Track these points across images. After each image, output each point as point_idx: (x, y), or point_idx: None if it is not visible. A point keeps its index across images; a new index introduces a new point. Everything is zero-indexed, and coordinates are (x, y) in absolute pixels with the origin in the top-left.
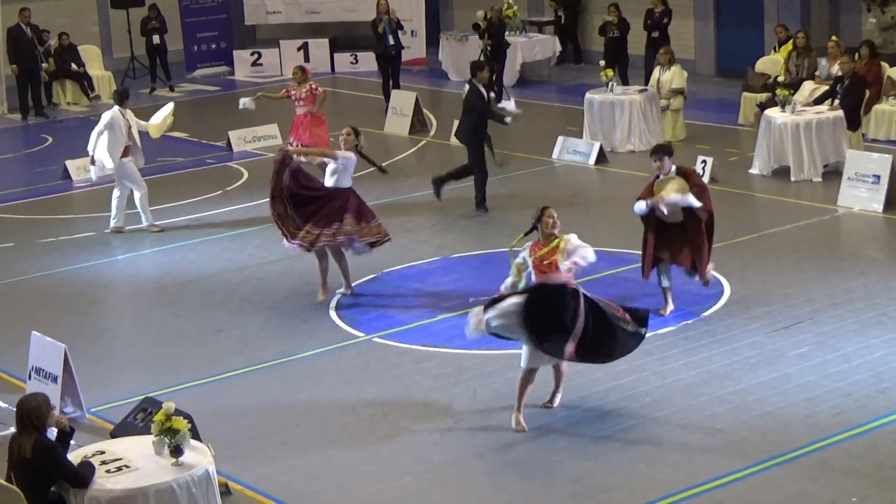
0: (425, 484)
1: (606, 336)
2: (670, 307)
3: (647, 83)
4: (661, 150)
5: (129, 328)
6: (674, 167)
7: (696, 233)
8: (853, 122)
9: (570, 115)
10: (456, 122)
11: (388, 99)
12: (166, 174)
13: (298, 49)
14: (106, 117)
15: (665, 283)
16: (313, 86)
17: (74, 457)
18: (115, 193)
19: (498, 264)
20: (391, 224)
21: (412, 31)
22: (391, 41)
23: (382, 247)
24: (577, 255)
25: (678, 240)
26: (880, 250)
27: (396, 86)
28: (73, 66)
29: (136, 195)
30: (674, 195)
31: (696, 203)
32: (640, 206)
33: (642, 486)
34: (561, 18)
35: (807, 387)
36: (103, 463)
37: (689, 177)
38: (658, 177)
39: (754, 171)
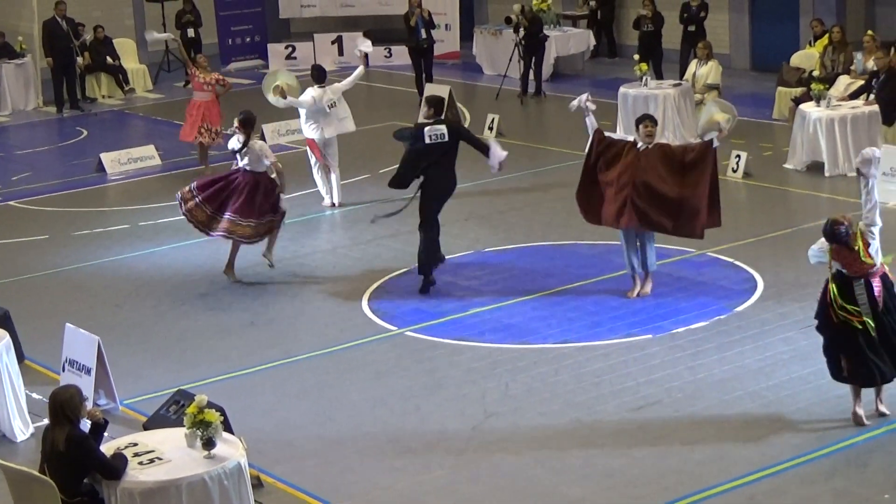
0: (457, 478)
1: None
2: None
3: (681, 77)
4: (650, 118)
5: (162, 321)
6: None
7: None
8: (889, 116)
9: (603, 109)
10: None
11: (421, 93)
12: (201, 167)
13: (332, 42)
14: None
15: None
16: (219, 77)
17: (107, 449)
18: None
19: (530, 258)
20: None
21: (446, 25)
22: (423, 35)
23: (415, 241)
24: None
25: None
26: None
27: (430, 79)
28: (109, 59)
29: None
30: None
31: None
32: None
33: (674, 481)
34: (597, 13)
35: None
36: (136, 455)
37: (668, 147)
38: (636, 143)
39: (789, 165)
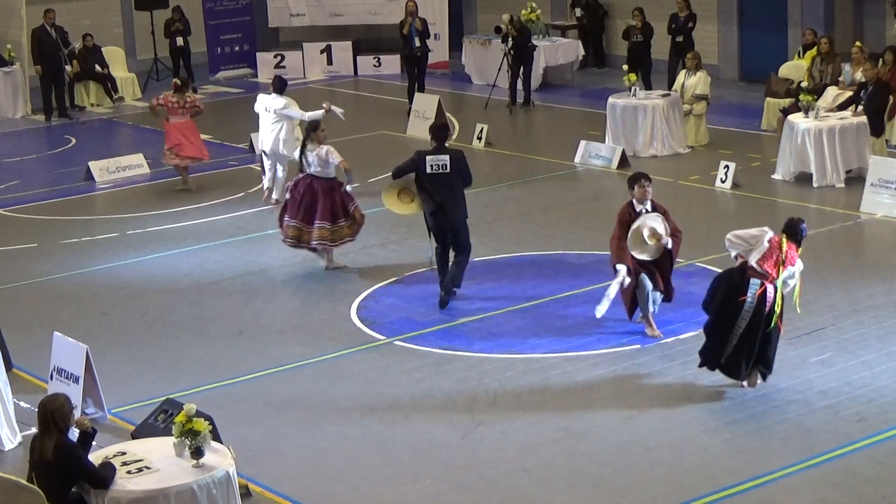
0: (446, 487)
1: None
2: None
3: (670, 87)
4: (646, 176)
5: (150, 329)
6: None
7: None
8: (877, 128)
9: (592, 119)
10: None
11: (411, 100)
12: (190, 176)
13: (321, 52)
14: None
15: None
16: (190, 98)
17: (95, 457)
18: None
19: (518, 268)
20: (414, 227)
21: (435, 35)
22: (417, 43)
23: (404, 251)
24: None
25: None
26: None
27: (421, 88)
28: (97, 67)
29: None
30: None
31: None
32: (622, 273)
33: (662, 491)
34: (585, 23)
35: (828, 393)
36: (124, 464)
37: (666, 215)
38: (633, 206)
39: (777, 176)
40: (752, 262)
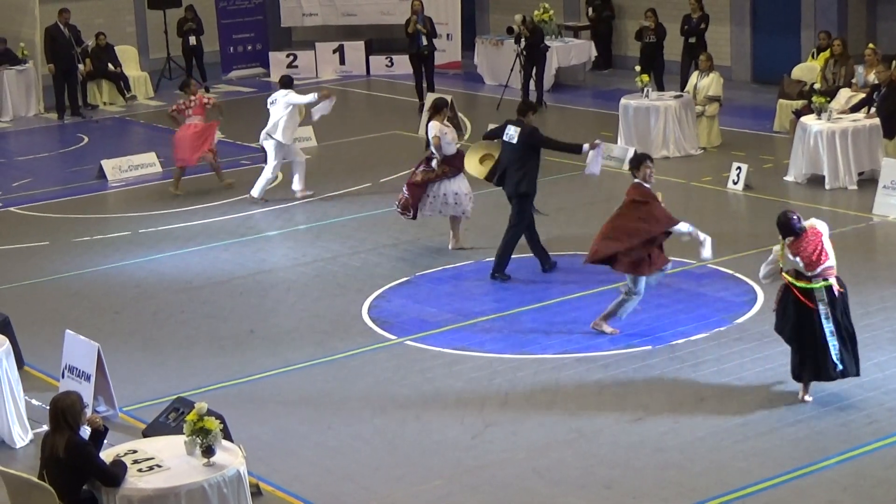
0: (456, 487)
1: None
2: None
3: (682, 89)
4: (649, 157)
5: (161, 328)
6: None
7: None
8: (889, 130)
9: (605, 120)
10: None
11: (421, 99)
12: (200, 175)
13: (334, 52)
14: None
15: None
16: (195, 98)
17: (107, 455)
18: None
19: (530, 269)
20: (425, 228)
21: (448, 35)
22: (424, 42)
23: (416, 250)
24: None
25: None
26: None
27: (431, 87)
28: (110, 66)
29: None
30: None
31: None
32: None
33: (673, 493)
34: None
35: (840, 395)
36: (135, 462)
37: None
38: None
39: (789, 178)
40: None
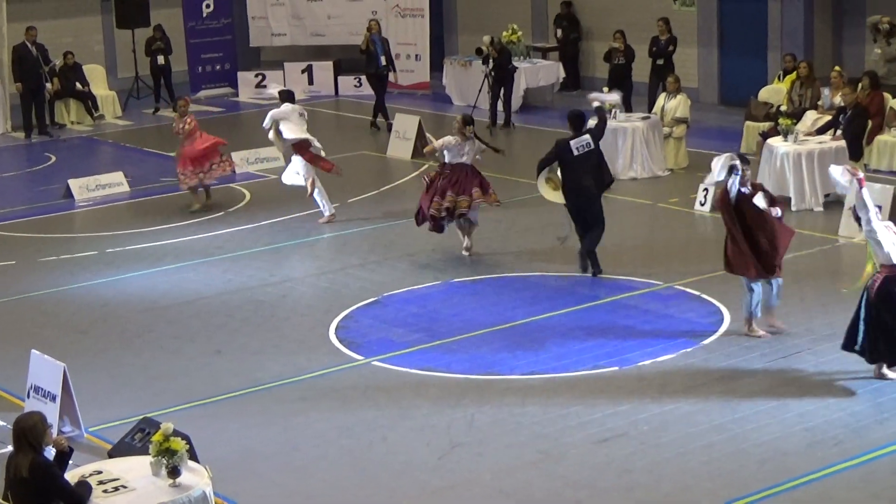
0: None
1: None
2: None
3: (650, 110)
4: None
5: (128, 348)
6: None
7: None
8: (855, 152)
9: None
10: None
11: (376, 117)
12: (169, 194)
13: (303, 72)
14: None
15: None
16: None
17: (72, 476)
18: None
19: (497, 290)
20: (392, 248)
21: (416, 56)
22: (383, 62)
23: (384, 271)
24: None
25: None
26: None
27: (381, 107)
28: (78, 85)
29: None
30: None
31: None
32: None
33: None
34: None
35: (806, 416)
36: (100, 483)
37: None
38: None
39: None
40: None
